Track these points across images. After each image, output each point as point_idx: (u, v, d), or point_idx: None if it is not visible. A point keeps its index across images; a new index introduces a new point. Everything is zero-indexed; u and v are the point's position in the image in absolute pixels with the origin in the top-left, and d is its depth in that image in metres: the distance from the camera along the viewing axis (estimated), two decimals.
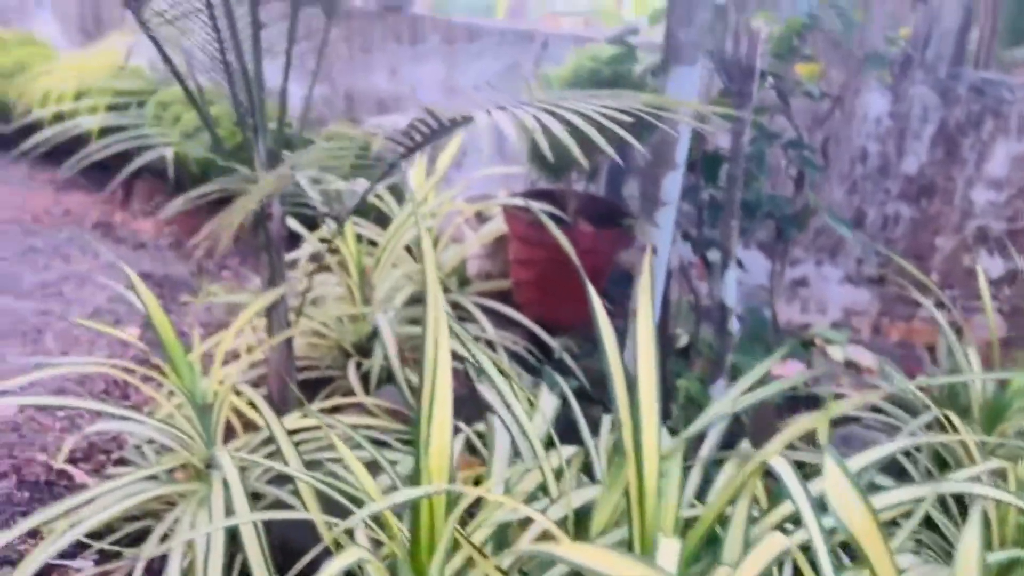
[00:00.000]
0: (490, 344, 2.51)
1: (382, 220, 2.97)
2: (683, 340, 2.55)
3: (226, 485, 1.56)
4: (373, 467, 1.50)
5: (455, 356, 1.43)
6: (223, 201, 3.77)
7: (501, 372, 1.58)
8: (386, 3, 3.77)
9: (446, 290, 2.83)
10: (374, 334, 2.57)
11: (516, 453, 1.55)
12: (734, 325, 2.03)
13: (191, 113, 3.88)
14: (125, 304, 3.12)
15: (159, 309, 1.78)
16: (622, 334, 1.66)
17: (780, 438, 1.36)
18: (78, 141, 4.15)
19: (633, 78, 2.46)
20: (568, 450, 1.55)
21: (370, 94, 3.90)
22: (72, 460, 2.15)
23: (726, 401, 1.60)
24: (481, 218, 3.19)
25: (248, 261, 3.65)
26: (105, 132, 4.05)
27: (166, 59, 1.84)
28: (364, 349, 2.50)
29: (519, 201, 2.69)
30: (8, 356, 2.70)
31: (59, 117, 4.24)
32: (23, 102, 4.41)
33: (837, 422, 2.22)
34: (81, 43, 5.06)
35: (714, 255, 2.25)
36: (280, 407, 2.09)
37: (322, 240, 2.77)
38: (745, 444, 1.69)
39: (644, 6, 6.45)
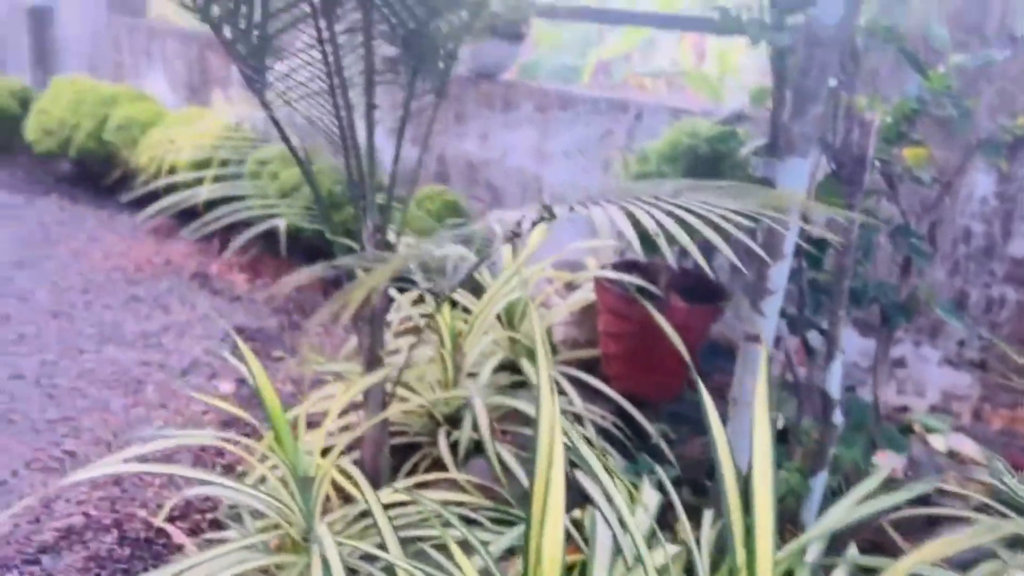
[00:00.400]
0: (578, 418, 2.50)
1: (474, 287, 3.01)
2: (779, 422, 2.48)
3: (325, 563, 1.58)
4: (465, 547, 1.50)
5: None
6: (310, 254, 3.83)
7: (604, 466, 1.56)
8: (480, 70, 3.85)
9: (534, 358, 2.84)
10: (464, 401, 2.58)
11: (616, 546, 1.53)
12: (838, 417, 1.97)
13: (288, 171, 4.02)
14: (220, 357, 3.22)
15: (268, 384, 1.82)
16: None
17: (910, 561, 1.30)
18: (175, 187, 4.34)
19: (735, 157, 2.45)
20: (672, 548, 1.52)
21: (461, 156, 3.98)
22: (170, 518, 2.21)
23: (840, 509, 1.55)
24: (569, 284, 3.19)
25: (339, 317, 3.72)
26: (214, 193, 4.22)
27: (285, 139, 1.91)
28: (454, 418, 2.51)
29: (610, 273, 2.68)
30: (112, 405, 2.81)
31: (171, 171, 4.44)
32: (140, 160, 4.63)
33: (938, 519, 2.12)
34: (187, 98, 5.31)
35: (814, 336, 2.20)
36: (374, 476, 2.11)
37: (422, 314, 2.80)
38: (853, 551, 1.62)
39: (727, 64, 6.48)
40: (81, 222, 4.73)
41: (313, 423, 2.56)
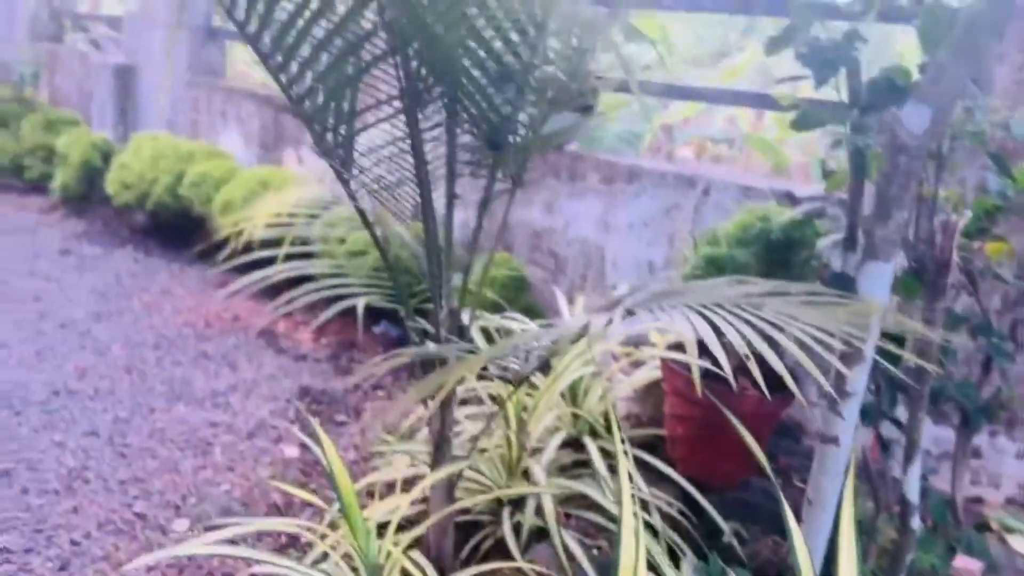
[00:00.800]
0: (643, 504, 2.47)
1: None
2: None
3: None
4: None
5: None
6: (374, 312, 3.88)
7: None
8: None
9: (596, 435, 2.82)
10: (526, 474, 2.58)
11: None
12: (916, 522, 1.91)
13: (356, 235, 4.11)
14: (286, 418, 3.27)
15: (343, 470, 1.84)
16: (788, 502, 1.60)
17: None
18: (249, 248, 4.46)
19: (809, 245, 2.44)
20: None
21: (525, 224, 4.02)
22: None
23: None
24: (632, 358, 3.18)
25: (401, 378, 3.76)
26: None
27: (368, 225, 1.96)
28: (518, 498, 2.51)
29: (678, 355, 2.67)
30: (181, 467, 2.87)
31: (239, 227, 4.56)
32: (215, 221, 4.78)
33: None
34: (259, 156, 5.49)
35: (889, 430, 2.15)
36: (439, 559, 2.11)
37: (490, 394, 2.82)
38: None
39: (785, 127, 6.43)
40: (154, 275, 4.89)
41: (376, 493, 2.58)
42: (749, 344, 1.39)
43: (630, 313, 1.52)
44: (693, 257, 2.65)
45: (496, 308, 3.58)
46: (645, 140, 5.94)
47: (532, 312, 3.72)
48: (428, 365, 2.13)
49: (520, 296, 3.86)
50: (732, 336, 1.36)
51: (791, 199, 3.02)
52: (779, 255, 2.47)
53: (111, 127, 6.36)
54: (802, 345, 1.37)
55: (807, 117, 1.97)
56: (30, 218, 5.92)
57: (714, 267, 2.54)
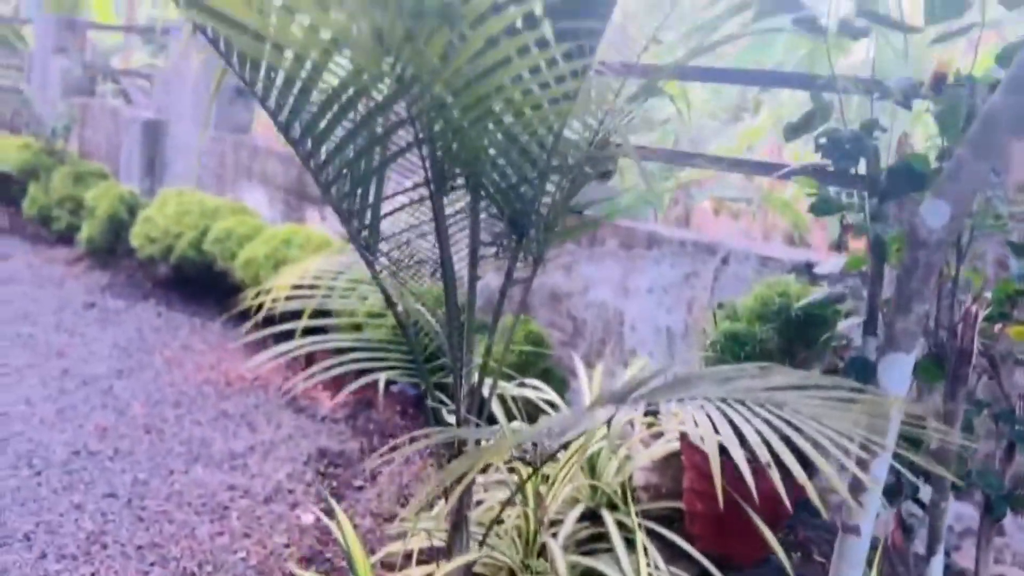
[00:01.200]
0: None
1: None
2: None
3: None
4: None
5: None
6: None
7: None
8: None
9: (614, 507, 2.80)
10: (543, 551, 2.56)
11: None
12: None
13: (376, 295, 4.14)
14: (303, 482, 3.27)
15: (358, 546, 1.84)
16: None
17: None
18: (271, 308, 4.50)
19: (828, 324, 2.44)
20: None
21: (544, 286, 4.04)
22: None
23: None
24: (652, 429, 3.17)
25: (417, 439, 3.76)
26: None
27: (388, 300, 1.99)
28: (534, 571, 2.48)
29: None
30: (198, 532, 2.87)
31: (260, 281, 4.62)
32: (236, 274, 4.84)
33: None
34: (283, 213, 5.57)
35: (911, 506, 2.13)
36: None
37: (510, 467, 2.81)
38: None
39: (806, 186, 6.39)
40: (176, 329, 4.94)
41: (391, 564, 2.57)
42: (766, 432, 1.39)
43: (652, 412, 1.52)
44: (713, 331, 2.65)
45: (515, 368, 3.58)
46: (665, 200, 5.99)
47: (550, 377, 3.73)
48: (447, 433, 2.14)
49: (538, 359, 3.86)
50: (751, 436, 1.36)
51: (809, 270, 3.03)
52: (799, 332, 2.47)
53: (138, 180, 6.49)
54: (822, 443, 1.37)
55: (825, 204, 1.99)
56: (57, 270, 6.02)
57: (734, 342, 2.55)
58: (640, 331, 3.69)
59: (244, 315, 4.92)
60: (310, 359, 4.44)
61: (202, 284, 5.39)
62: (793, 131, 2.02)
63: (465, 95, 1.48)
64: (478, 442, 2.00)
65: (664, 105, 5.38)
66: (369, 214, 1.89)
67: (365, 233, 1.94)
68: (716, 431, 1.43)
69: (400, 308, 2.00)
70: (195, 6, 1.39)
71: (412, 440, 3.72)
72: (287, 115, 1.76)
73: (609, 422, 2.89)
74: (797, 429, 1.37)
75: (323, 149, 1.78)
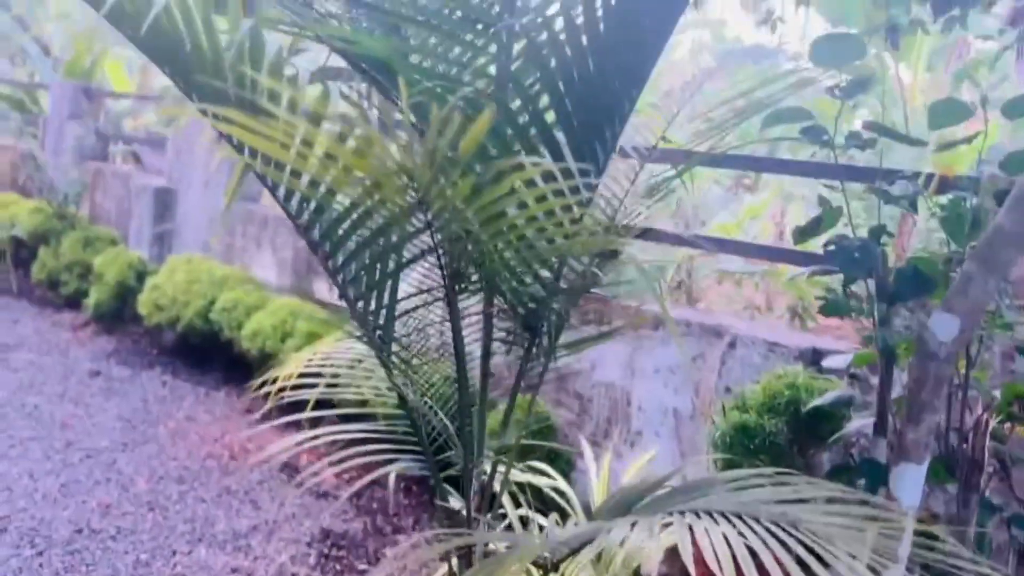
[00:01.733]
0: None
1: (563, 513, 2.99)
2: None
3: None
4: None
5: None
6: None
7: None
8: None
9: None
10: None
11: None
12: None
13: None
14: (306, 565, 3.24)
15: None
16: None
17: None
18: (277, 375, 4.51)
19: (837, 418, 2.44)
20: None
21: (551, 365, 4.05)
22: None
23: None
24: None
25: (421, 520, 3.73)
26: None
27: (401, 399, 2.00)
28: None
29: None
30: None
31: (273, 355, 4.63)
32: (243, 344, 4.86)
33: None
34: (291, 284, 5.61)
35: None
36: None
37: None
38: None
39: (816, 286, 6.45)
40: (180, 400, 4.93)
41: None
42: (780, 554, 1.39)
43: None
44: (722, 422, 2.66)
45: (521, 448, 3.57)
46: (668, 274, 6.03)
47: (556, 456, 3.71)
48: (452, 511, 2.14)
49: (545, 439, 3.85)
50: (766, 558, 1.36)
51: (816, 360, 3.04)
52: (809, 427, 2.47)
53: (147, 246, 6.55)
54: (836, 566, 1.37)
55: (836, 306, 2.01)
56: (63, 335, 6.04)
57: (744, 435, 2.55)
58: (647, 412, 3.68)
59: (248, 384, 4.93)
60: (314, 422, 4.43)
61: (208, 353, 5.40)
62: (801, 235, 2.05)
63: (484, 213, 1.51)
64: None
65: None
66: (384, 314, 1.92)
67: (380, 332, 1.96)
68: (730, 548, 1.43)
69: (411, 400, 2.01)
70: (223, 123, 1.43)
71: (419, 528, 3.69)
72: (307, 218, 1.80)
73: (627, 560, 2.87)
74: (811, 551, 1.37)
75: (340, 253, 1.82)
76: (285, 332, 4.79)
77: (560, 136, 1.77)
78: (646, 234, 3.72)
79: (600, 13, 1.55)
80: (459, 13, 1.94)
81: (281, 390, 2.77)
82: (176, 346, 5.72)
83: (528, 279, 1.89)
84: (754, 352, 3.31)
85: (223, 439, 4.39)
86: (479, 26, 1.92)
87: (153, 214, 6.51)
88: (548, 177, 1.83)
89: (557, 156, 1.78)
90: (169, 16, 1.49)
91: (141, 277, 6.10)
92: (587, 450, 3.37)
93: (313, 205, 1.73)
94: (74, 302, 6.63)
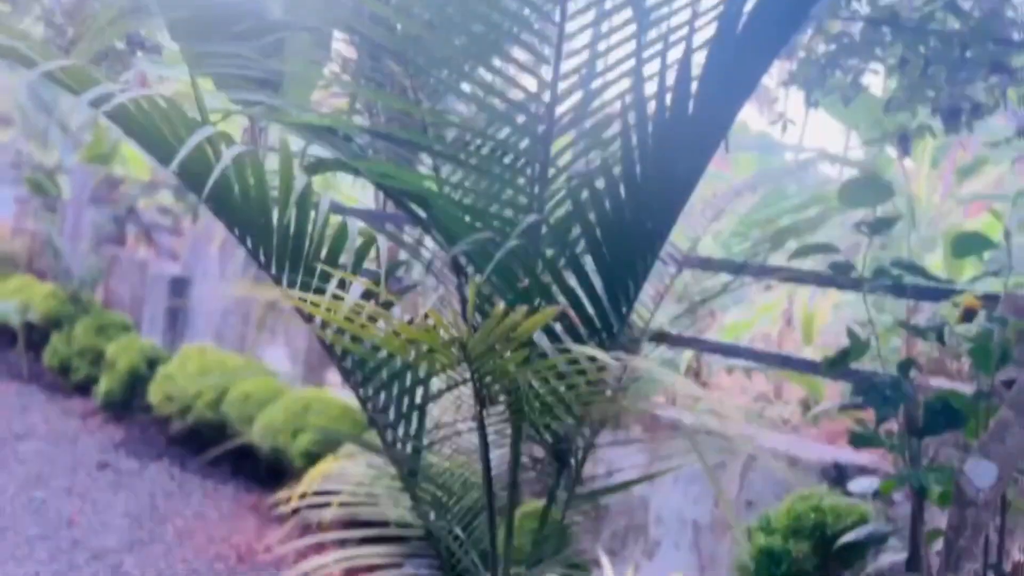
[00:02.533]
0: None
1: None
2: None
3: None
4: None
5: None
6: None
7: None
8: None
9: None
10: None
11: None
12: None
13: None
14: None
15: None
16: None
17: None
18: (283, 467, 4.46)
19: (864, 545, 2.40)
20: None
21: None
22: None
23: None
24: None
25: None
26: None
27: (428, 533, 1.98)
28: None
29: None
30: None
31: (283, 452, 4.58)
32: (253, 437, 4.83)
33: None
34: (303, 375, 5.60)
35: None
36: None
37: None
38: None
39: (810, 330, 6.49)
40: (188, 496, 4.87)
41: None
42: None
43: None
44: (748, 546, 2.61)
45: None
46: (682, 364, 6.01)
47: (572, 567, 3.63)
48: None
49: (561, 546, 3.77)
50: None
51: (839, 473, 3.00)
52: (838, 554, 2.43)
53: (160, 333, 6.57)
54: None
55: (866, 439, 2.00)
56: (72, 424, 6.01)
57: (771, 560, 2.50)
58: (666, 521, 3.62)
59: (257, 479, 4.92)
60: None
61: (218, 445, 5.35)
62: (831, 366, 2.06)
63: (519, 355, 1.52)
64: None
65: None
66: (412, 443, 1.91)
67: (408, 461, 1.95)
68: None
69: (435, 529, 1.99)
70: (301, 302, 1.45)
71: None
72: (340, 350, 1.81)
73: None
74: None
75: (371, 384, 1.82)
76: (297, 427, 4.76)
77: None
78: (662, 337, 3.73)
79: (638, 166, 1.59)
80: (486, 148, 2.00)
81: (295, 511, 2.74)
82: (185, 437, 5.67)
83: (557, 407, 1.88)
84: (775, 466, 3.27)
85: (231, 539, 4.31)
86: (506, 160, 1.98)
87: (168, 302, 6.56)
88: (577, 305, 1.86)
89: (586, 285, 1.80)
90: (241, 180, 1.52)
91: (153, 365, 6.09)
92: (605, 562, 3.30)
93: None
94: (84, 388, 6.61)
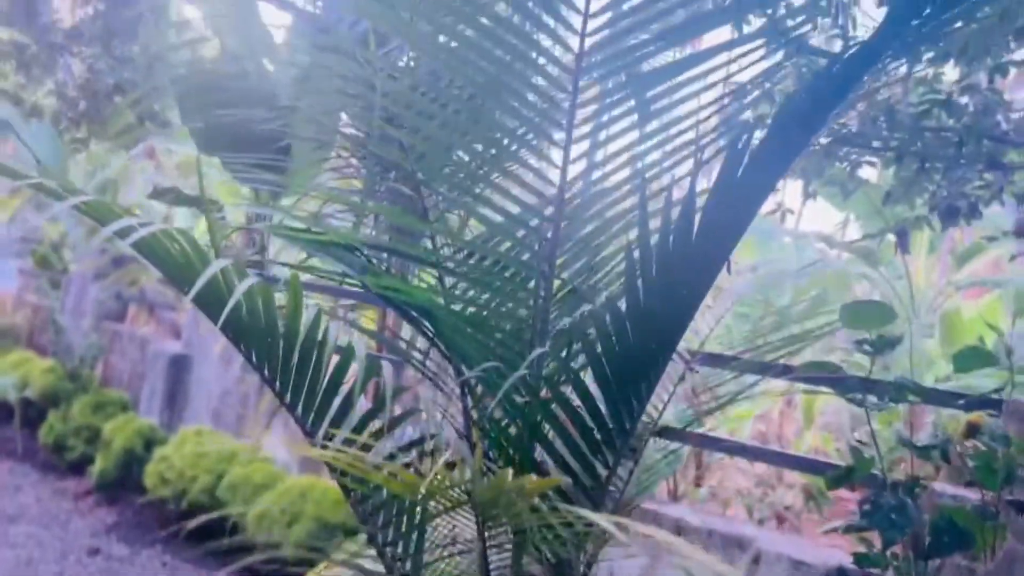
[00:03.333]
0: None
1: None
2: None
3: None
4: None
5: None
6: None
7: None
8: None
9: None
10: None
11: None
12: None
13: None
14: None
15: None
16: None
17: None
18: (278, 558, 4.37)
19: None
20: None
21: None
22: None
23: None
24: None
25: None
26: None
27: None
28: None
29: None
30: None
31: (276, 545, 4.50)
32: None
33: None
34: (300, 460, 5.54)
35: None
36: None
37: None
38: None
39: (811, 414, 6.43)
40: None
41: None
42: None
43: None
44: None
45: None
46: (685, 449, 5.95)
47: None
48: None
49: None
50: None
51: None
52: None
53: (158, 412, 6.53)
54: None
55: (870, 560, 1.97)
56: (64, 505, 5.92)
57: None
58: None
59: (251, 570, 4.77)
60: None
61: (213, 531, 5.26)
62: (833, 483, 2.04)
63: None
64: None
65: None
66: (410, 562, 1.88)
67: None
68: None
69: None
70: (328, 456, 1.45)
71: None
72: (339, 470, 1.80)
73: None
74: None
75: (371, 502, 1.81)
76: (293, 516, 4.69)
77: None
78: (666, 432, 3.70)
79: (641, 293, 1.60)
80: (486, 262, 2.03)
81: None
82: (180, 522, 5.58)
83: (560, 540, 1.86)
84: (779, 570, 3.21)
85: None
86: (507, 273, 2.01)
87: (167, 381, 6.53)
88: (579, 420, 1.85)
89: (587, 401, 1.80)
90: (250, 302, 1.53)
91: (149, 446, 6.04)
92: None
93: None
94: (79, 467, 6.53)
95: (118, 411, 6.61)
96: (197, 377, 6.50)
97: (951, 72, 4.22)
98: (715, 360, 2.94)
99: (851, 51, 1.35)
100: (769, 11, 2.07)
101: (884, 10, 3.81)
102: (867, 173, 4.89)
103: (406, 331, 3.46)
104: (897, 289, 8.91)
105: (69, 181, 1.56)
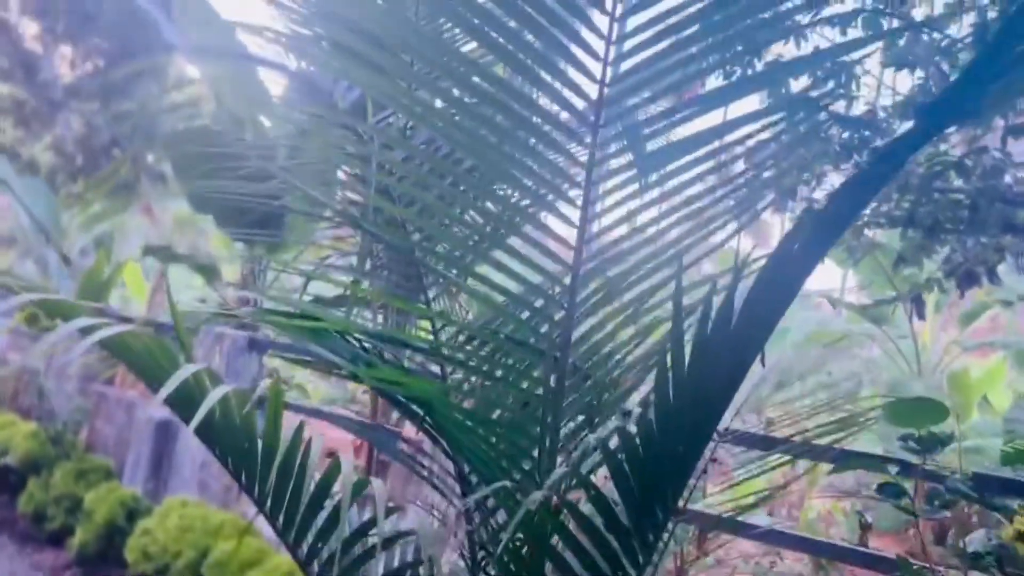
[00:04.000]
0: None
1: None
2: None
3: None
4: None
5: None
6: None
7: None
8: None
9: None
10: None
11: None
12: None
13: None
14: None
15: None
16: None
17: None
18: None
19: None
20: None
21: None
22: None
23: None
24: None
25: None
26: None
27: None
28: None
29: None
30: None
31: None
32: None
33: None
34: None
35: None
36: None
37: None
38: None
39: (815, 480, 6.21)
40: None
41: None
42: None
43: None
44: None
45: None
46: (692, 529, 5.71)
47: None
48: None
49: None
50: None
51: None
52: None
53: (142, 481, 6.26)
54: None
55: None
56: None
57: None
58: None
59: None
60: None
61: None
62: None
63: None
64: None
65: None
66: None
67: None
68: None
69: None
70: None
71: None
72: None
73: None
74: None
75: None
76: None
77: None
78: (684, 512, 3.46)
79: (671, 392, 1.42)
80: (487, 348, 1.86)
81: None
82: None
83: None
84: None
85: None
86: (510, 360, 1.83)
87: (153, 448, 6.28)
88: (591, 529, 1.65)
89: (606, 513, 1.61)
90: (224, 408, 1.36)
91: (132, 516, 5.76)
92: None
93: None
94: (58, 538, 6.24)
95: (101, 479, 6.34)
96: (184, 444, 6.25)
97: (954, 134, 4.11)
98: (741, 439, 2.74)
99: (914, 123, 1.19)
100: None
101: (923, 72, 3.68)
102: (872, 232, 4.75)
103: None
104: (901, 348, 8.75)
105: (24, 279, 1.39)
